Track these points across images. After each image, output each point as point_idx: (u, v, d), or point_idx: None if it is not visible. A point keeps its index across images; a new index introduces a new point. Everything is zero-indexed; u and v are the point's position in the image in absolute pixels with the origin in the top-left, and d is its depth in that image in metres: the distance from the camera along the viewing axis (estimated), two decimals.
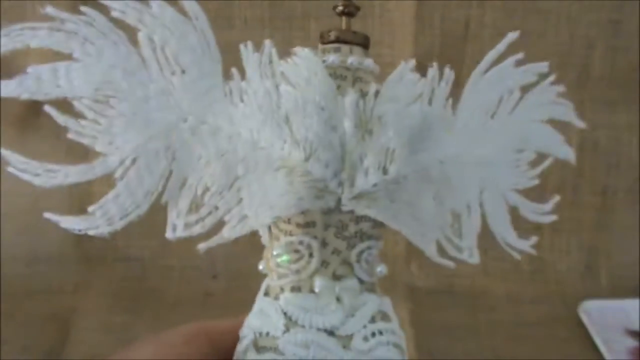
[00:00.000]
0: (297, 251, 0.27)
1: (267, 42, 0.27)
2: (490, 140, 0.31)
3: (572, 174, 0.66)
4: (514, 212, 0.32)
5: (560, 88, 0.33)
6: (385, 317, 0.28)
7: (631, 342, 0.58)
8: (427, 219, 0.29)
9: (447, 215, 0.30)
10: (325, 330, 0.26)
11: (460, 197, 0.30)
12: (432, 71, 0.28)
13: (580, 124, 0.33)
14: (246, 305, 0.28)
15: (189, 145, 0.27)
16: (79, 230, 0.26)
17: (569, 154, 0.34)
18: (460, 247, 0.30)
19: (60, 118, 0.25)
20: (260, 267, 0.28)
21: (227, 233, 0.27)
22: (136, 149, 0.26)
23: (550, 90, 0.33)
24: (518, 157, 0.32)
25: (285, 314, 0.26)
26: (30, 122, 0.66)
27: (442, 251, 0.29)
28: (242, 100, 0.27)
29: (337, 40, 0.29)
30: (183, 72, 0.26)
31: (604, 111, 0.66)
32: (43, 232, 0.64)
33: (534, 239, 0.33)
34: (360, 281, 0.28)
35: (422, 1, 0.61)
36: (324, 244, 0.27)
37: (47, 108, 0.25)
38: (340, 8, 0.29)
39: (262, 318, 0.27)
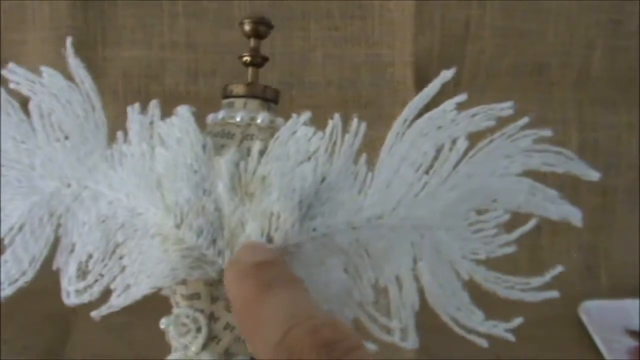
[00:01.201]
0: (184, 324, 0.25)
1: (152, 103, 0.26)
2: (430, 200, 0.26)
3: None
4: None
5: (544, 132, 0.28)
6: None
7: (631, 342, 0.58)
8: (336, 295, 0.26)
9: (367, 289, 0.26)
10: None
11: (386, 268, 0.26)
12: (333, 124, 0.26)
13: (594, 175, 0.29)
14: None
15: (73, 211, 0.26)
16: None
17: (565, 211, 0.29)
18: (389, 328, 0.26)
19: None
20: (167, 338, 0.27)
21: (115, 302, 0.26)
22: (21, 216, 0.26)
23: (524, 135, 0.28)
24: (479, 219, 0.27)
25: None
26: None
27: (365, 331, 0.26)
28: (121, 164, 0.26)
29: (232, 95, 0.27)
30: (66, 137, 0.27)
31: (603, 111, 0.65)
32: None
33: (517, 320, 0.28)
34: None
35: (422, 1, 0.61)
36: (213, 317, 0.25)
37: None
38: (246, 59, 0.27)
39: None
